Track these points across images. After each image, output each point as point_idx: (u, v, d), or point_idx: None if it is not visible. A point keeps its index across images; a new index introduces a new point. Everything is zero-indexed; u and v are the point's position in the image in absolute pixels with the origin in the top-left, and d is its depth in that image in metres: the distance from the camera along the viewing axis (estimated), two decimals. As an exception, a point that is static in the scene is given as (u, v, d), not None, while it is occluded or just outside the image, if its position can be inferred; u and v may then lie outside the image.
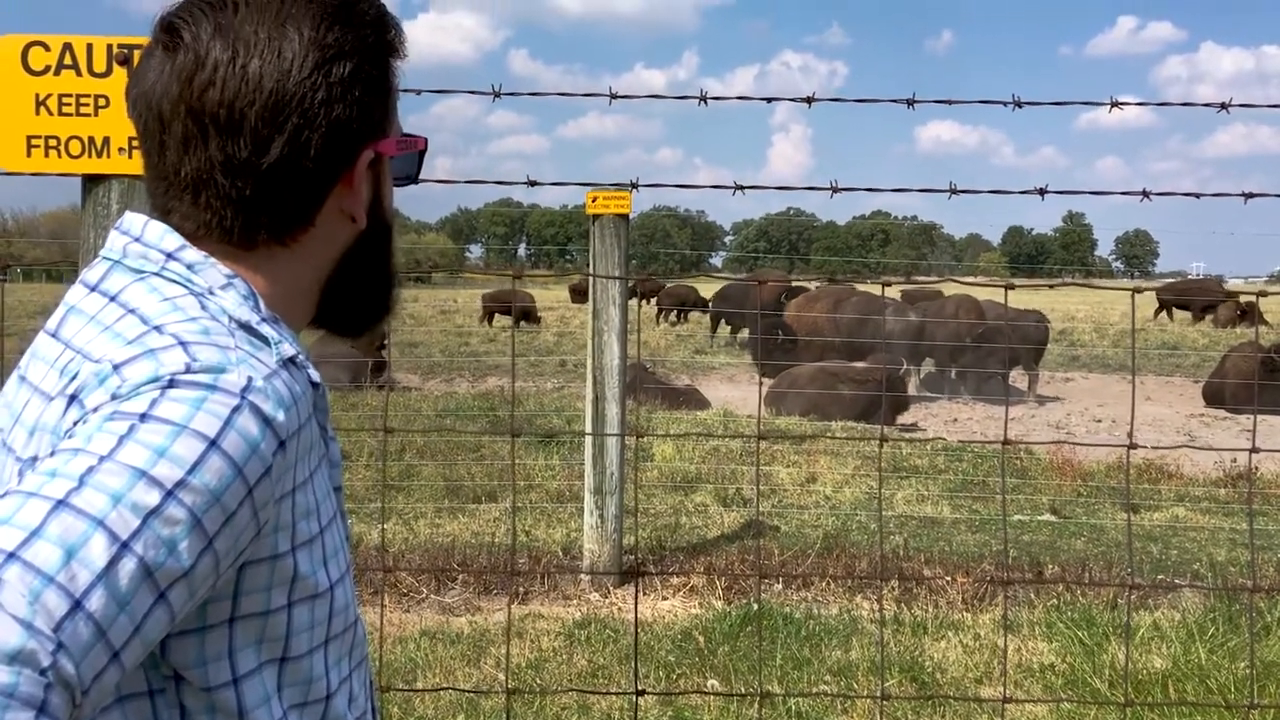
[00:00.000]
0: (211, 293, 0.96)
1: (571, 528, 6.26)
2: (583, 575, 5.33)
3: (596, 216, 5.28)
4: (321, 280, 1.06)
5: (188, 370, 0.87)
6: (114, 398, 0.86)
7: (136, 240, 0.99)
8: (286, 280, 1.03)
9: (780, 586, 5.24)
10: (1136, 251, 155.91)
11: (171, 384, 0.86)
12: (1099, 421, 12.73)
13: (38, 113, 1.97)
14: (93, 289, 0.98)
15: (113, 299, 0.95)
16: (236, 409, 0.86)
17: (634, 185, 2.21)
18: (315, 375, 1.00)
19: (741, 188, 2.45)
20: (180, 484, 0.82)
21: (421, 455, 8.34)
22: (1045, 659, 4.43)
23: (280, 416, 0.89)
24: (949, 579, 4.93)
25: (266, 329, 0.96)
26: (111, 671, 0.79)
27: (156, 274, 0.97)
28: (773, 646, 4.42)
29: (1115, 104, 2.12)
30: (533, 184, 2.23)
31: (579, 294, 30.51)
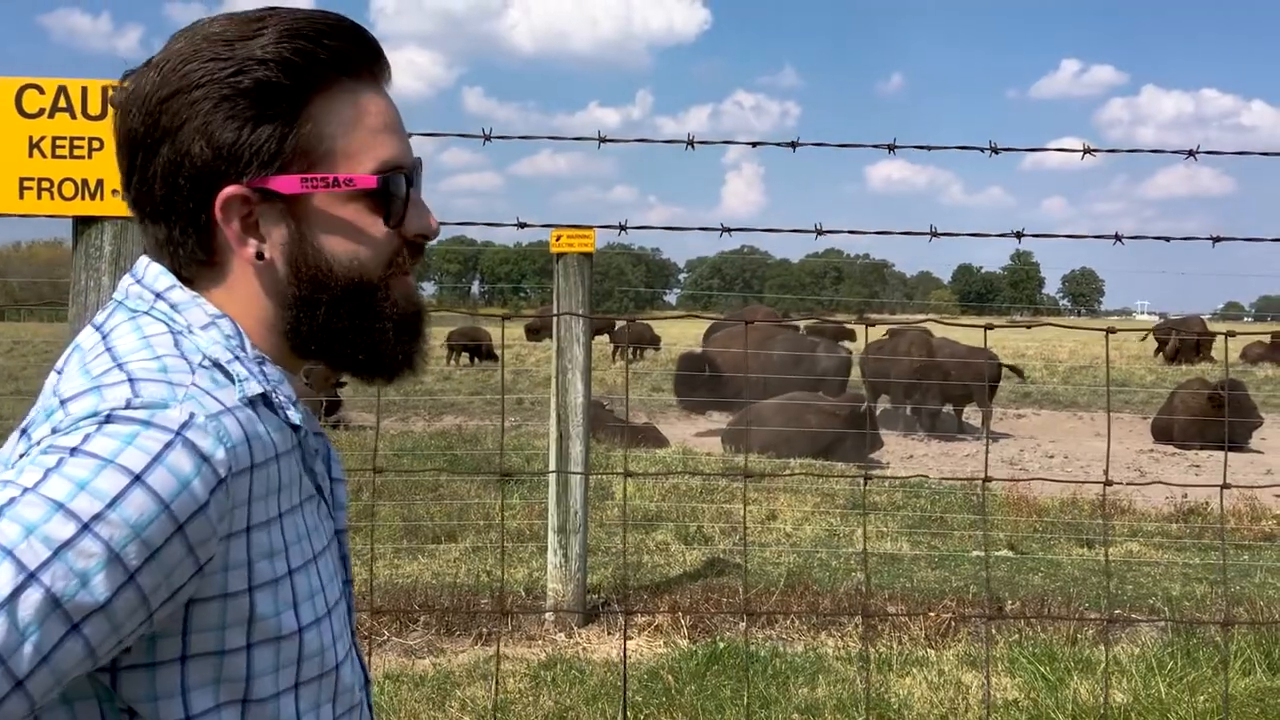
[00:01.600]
0: (190, 331, 0.98)
1: (533, 567, 6.21)
2: (547, 615, 5.29)
3: (560, 255, 5.29)
4: (272, 322, 1.03)
5: (127, 406, 0.87)
6: (53, 431, 0.87)
7: (138, 281, 1.02)
8: (243, 318, 1.02)
9: (744, 625, 5.23)
10: (1083, 289, 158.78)
11: (109, 419, 0.87)
12: (1051, 457, 12.89)
13: (31, 155, 1.97)
14: (97, 329, 1.00)
15: (104, 338, 0.97)
16: (169, 445, 0.86)
17: (622, 227, 2.22)
18: (295, 417, 1.00)
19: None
20: (97, 517, 0.82)
21: (378, 495, 8.25)
22: (1009, 694, 4.46)
23: (219, 454, 0.88)
24: (931, 613, 4.96)
25: (238, 367, 0.96)
26: (15, 700, 0.79)
27: (146, 313, 0.99)
28: (740, 685, 4.40)
29: (1088, 150, 2.18)
30: (522, 226, 2.24)
31: (533, 332, 30.48)
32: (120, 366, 0.92)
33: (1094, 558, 7.06)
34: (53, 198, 1.97)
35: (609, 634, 5.16)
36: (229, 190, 0.98)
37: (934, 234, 2.16)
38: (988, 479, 2.35)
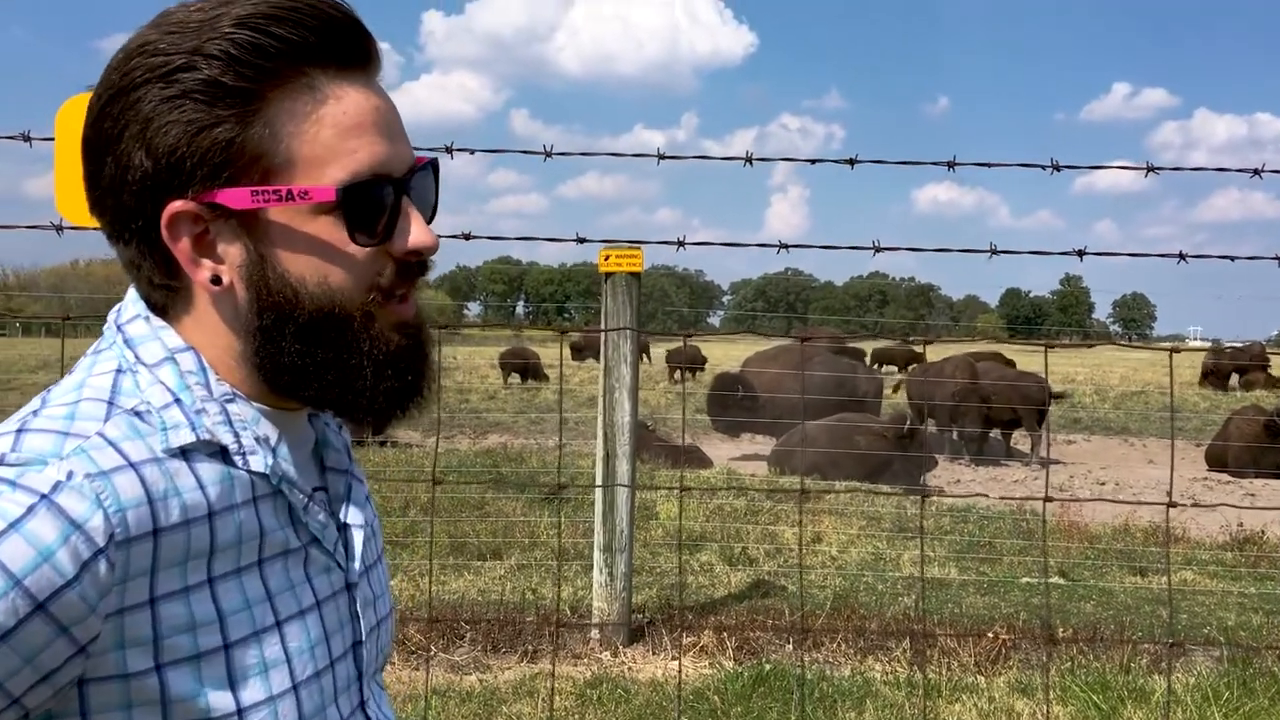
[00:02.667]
0: (136, 369, 0.88)
1: (578, 585, 6.22)
2: (592, 633, 5.29)
3: (609, 274, 5.31)
4: (241, 354, 0.90)
5: (1, 462, 0.78)
6: None
7: (117, 311, 0.94)
8: (210, 349, 0.90)
9: (791, 647, 5.20)
10: (1134, 314, 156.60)
11: None
12: (1102, 484, 12.71)
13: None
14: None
15: (67, 375, 0.90)
16: (30, 509, 0.75)
17: (680, 243, 2.23)
18: (258, 463, 0.88)
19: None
20: None
21: (424, 511, 8.30)
22: (1061, 723, 4.39)
23: (94, 520, 0.77)
24: (989, 634, 4.89)
25: (173, 413, 0.86)
26: None
27: (109, 348, 0.91)
28: (786, 709, 4.37)
29: (1150, 169, 2.16)
30: (581, 241, 2.27)
31: (577, 351, 30.56)
32: (34, 413, 0.83)
33: (1147, 586, 6.94)
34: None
35: (654, 653, 5.14)
36: (174, 205, 0.84)
37: (993, 251, 2.15)
38: (1048, 498, 2.32)
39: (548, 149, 2.16)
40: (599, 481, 5.44)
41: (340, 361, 0.89)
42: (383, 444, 12.81)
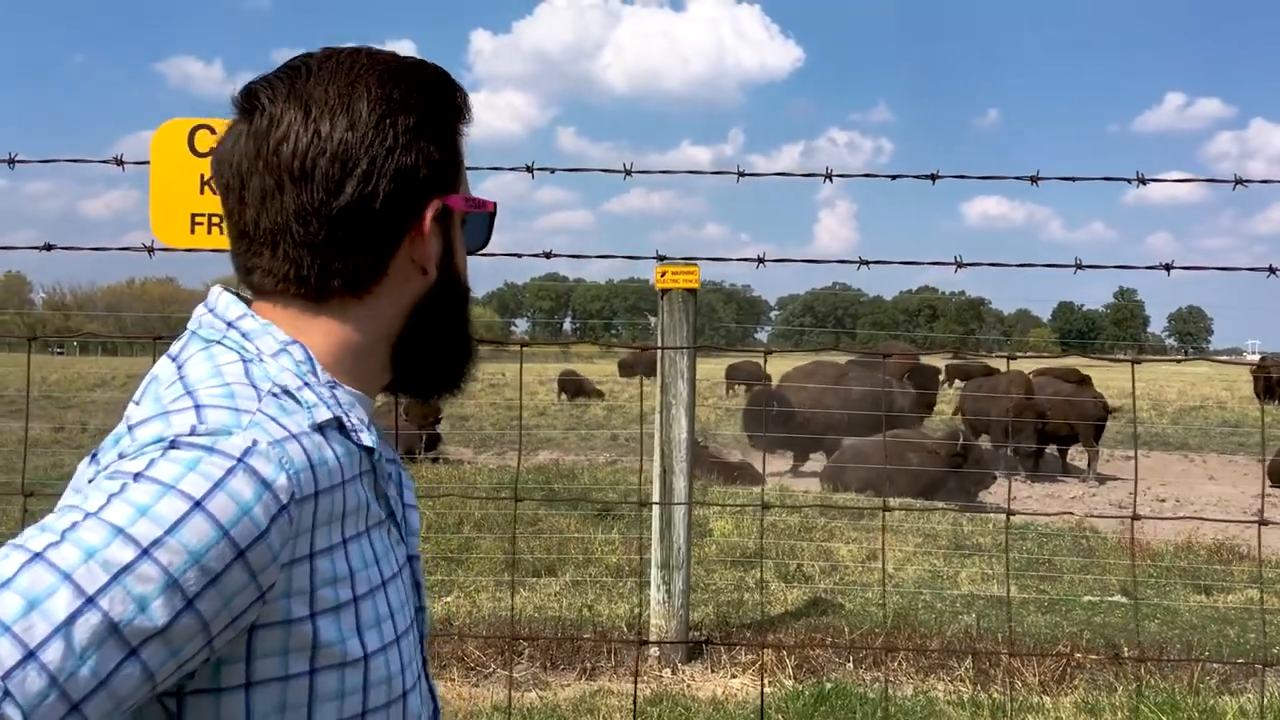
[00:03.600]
0: (261, 359, 1.00)
1: (633, 602, 6.21)
2: (651, 650, 5.27)
3: (665, 290, 5.32)
4: (392, 337, 1.07)
5: (192, 432, 0.89)
6: (120, 457, 0.89)
7: (210, 311, 1.05)
8: (357, 336, 1.05)
9: (851, 665, 5.15)
10: (1190, 328, 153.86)
11: (173, 445, 0.88)
12: (1163, 501, 12.47)
13: (202, 192, 2.07)
14: (172, 359, 1.02)
15: (179, 367, 1.00)
16: (230, 471, 0.87)
17: (761, 260, 2.23)
18: (368, 439, 1.01)
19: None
20: (156, 542, 0.83)
21: (479, 528, 8.34)
22: (1129, 745, 4.31)
23: (281, 480, 0.89)
24: (1066, 652, 4.82)
25: (308, 394, 0.98)
26: None
27: (219, 342, 1.01)
28: (847, 727, 4.33)
29: (1239, 182, 2.12)
30: (634, 259, 2.28)
31: (627, 368, 30.61)
32: (190, 394, 0.94)
33: (1212, 605, 6.80)
34: (221, 233, 2.06)
35: (713, 671, 5.12)
36: (435, 204, 1.06)
37: (1079, 266, 2.13)
38: (1135, 516, 2.29)
39: (627, 167, 2.18)
40: (656, 498, 5.44)
41: (465, 338, 1.13)
42: (434, 460, 12.90)
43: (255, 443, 0.89)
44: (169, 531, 0.83)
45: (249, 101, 1.03)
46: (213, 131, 2.10)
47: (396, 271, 1.05)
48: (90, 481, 0.90)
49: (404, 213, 1.03)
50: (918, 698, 4.75)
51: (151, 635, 0.83)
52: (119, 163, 2.25)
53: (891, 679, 5.07)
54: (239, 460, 0.88)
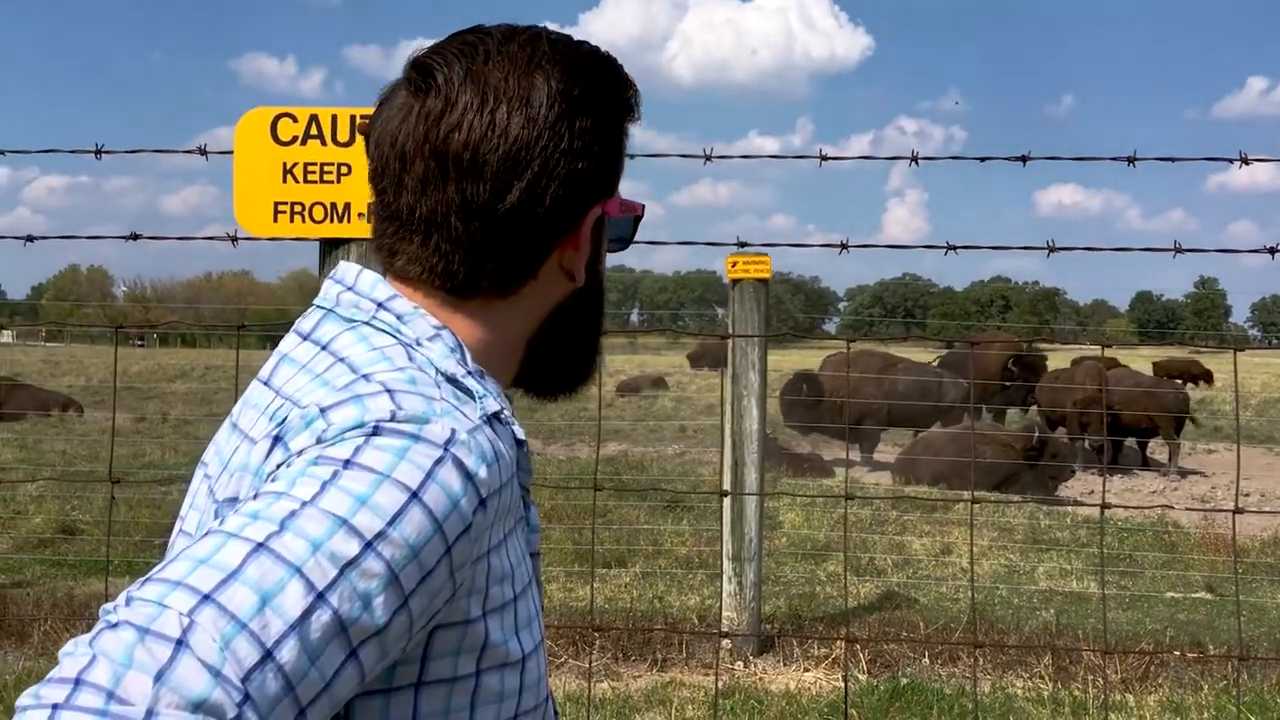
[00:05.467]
0: (419, 344, 0.94)
1: (704, 594, 6.19)
2: (724, 643, 5.25)
3: (736, 281, 5.28)
4: (529, 337, 1.02)
5: (393, 418, 0.83)
6: (319, 441, 0.83)
7: (350, 289, 0.98)
8: (498, 334, 1.00)
9: (927, 660, 5.08)
10: (1274, 318, 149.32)
11: (376, 431, 0.82)
12: (1247, 495, 12.12)
13: (284, 180, 2.08)
14: (305, 338, 0.97)
15: (324, 347, 0.94)
16: (439, 461, 0.82)
17: (844, 245, 2.19)
18: (520, 433, 0.96)
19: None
20: (380, 535, 0.78)
21: (548, 519, 8.37)
22: (1217, 746, 4.19)
23: (482, 472, 0.84)
24: (1159, 651, 4.71)
25: (471, 383, 0.92)
26: None
27: (366, 323, 0.95)
28: (924, 723, 4.27)
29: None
30: (713, 245, 2.25)
31: (696, 360, 30.51)
32: (366, 378, 0.88)
33: (1301, 602, 6.59)
34: (304, 220, 2.07)
35: (785, 664, 5.08)
36: (598, 208, 1.02)
37: (1178, 250, 2.05)
38: (1238, 510, 2.21)
39: (707, 151, 2.16)
40: (726, 488, 5.41)
41: (595, 342, 1.09)
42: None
43: (454, 432, 0.84)
44: (390, 524, 0.79)
45: (423, 78, 0.96)
46: (294, 120, 2.11)
47: (546, 275, 1.00)
48: (280, 465, 0.84)
49: (566, 220, 0.98)
50: (996, 694, 4.66)
51: (372, 634, 0.78)
52: (203, 152, 2.28)
53: (967, 675, 4.99)
54: (445, 449, 0.83)
